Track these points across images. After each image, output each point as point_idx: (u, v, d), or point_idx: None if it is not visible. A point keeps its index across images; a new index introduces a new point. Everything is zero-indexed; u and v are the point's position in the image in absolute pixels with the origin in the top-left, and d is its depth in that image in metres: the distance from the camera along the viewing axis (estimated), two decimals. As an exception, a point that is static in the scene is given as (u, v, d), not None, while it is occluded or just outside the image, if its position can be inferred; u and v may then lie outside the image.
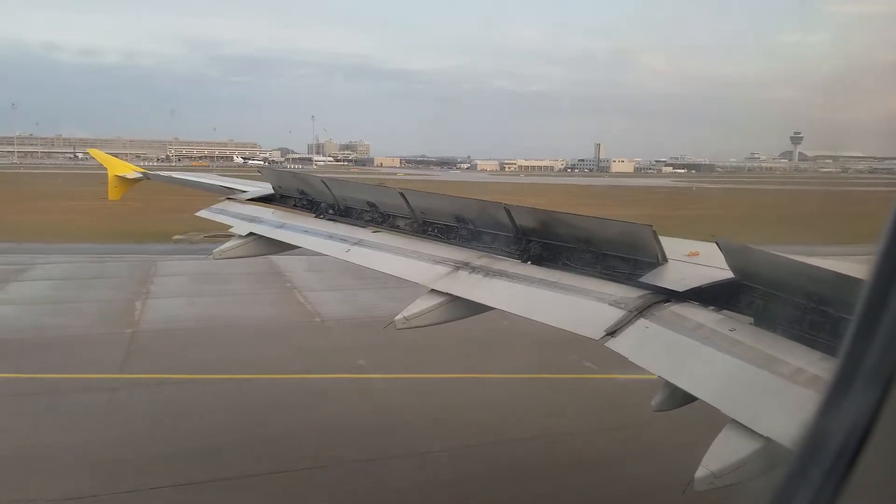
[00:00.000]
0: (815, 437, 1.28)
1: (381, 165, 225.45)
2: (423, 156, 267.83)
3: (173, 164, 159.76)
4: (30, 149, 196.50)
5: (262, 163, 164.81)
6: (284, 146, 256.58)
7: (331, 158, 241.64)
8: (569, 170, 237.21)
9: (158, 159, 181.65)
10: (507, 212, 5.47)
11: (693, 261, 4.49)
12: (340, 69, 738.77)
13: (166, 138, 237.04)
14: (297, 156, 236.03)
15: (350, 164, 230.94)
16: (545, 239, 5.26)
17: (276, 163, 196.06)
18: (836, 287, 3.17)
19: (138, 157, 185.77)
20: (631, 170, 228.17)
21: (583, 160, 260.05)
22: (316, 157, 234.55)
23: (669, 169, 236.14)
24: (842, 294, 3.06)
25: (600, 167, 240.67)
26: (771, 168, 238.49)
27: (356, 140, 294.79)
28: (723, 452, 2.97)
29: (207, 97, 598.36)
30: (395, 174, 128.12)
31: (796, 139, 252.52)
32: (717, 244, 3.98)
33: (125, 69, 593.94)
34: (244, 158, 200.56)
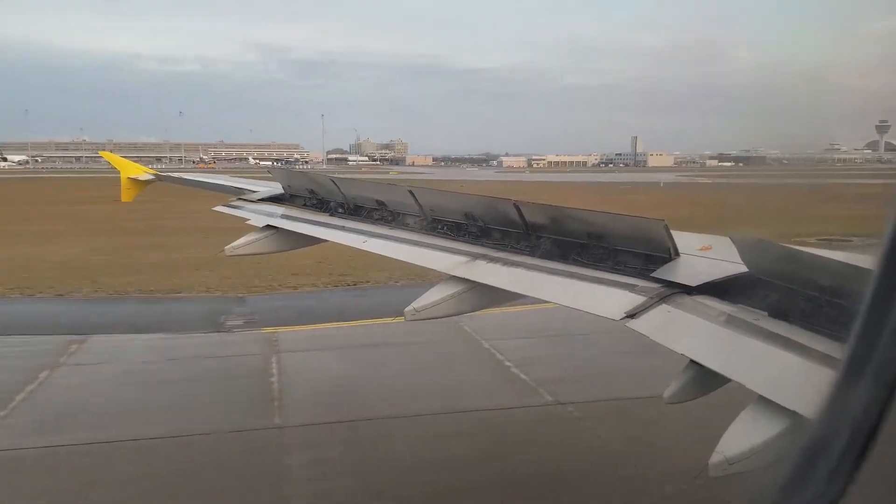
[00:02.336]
0: (821, 433, 1.27)
1: (413, 164, 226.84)
2: (486, 153, 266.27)
3: (181, 165, 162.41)
4: (78, 153, 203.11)
5: (270, 163, 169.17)
6: (335, 146, 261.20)
7: (366, 158, 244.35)
8: (602, 165, 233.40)
9: (193, 162, 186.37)
10: (517, 208, 5.43)
11: (706, 255, 4.44)
12: (407, 69, 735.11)
13: (212, 141, 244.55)
14: (334, 156, 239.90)
15: (386, 163, 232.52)
16: (556, 235, 5.21)
17: (299, 163, 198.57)
18: (853, 280, 3.03)
19: (180, 160, 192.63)
20: (670, 163, 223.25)
21: (619, 154, 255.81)
22: (351, 158, 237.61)
23: (715, 162, 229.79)
24: (858, 287, 2.91)
25: (637, 161, 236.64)
26: (845, 160, 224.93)
27: (395, 139, 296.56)
28: (739, 437, 2.97)
29: (276, 101, 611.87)
30: (388, 172, 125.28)
31: (882, 128, 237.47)
32: (731, 238, 3.95)
33: (201, 76, 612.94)
34: (255, 159, 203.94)
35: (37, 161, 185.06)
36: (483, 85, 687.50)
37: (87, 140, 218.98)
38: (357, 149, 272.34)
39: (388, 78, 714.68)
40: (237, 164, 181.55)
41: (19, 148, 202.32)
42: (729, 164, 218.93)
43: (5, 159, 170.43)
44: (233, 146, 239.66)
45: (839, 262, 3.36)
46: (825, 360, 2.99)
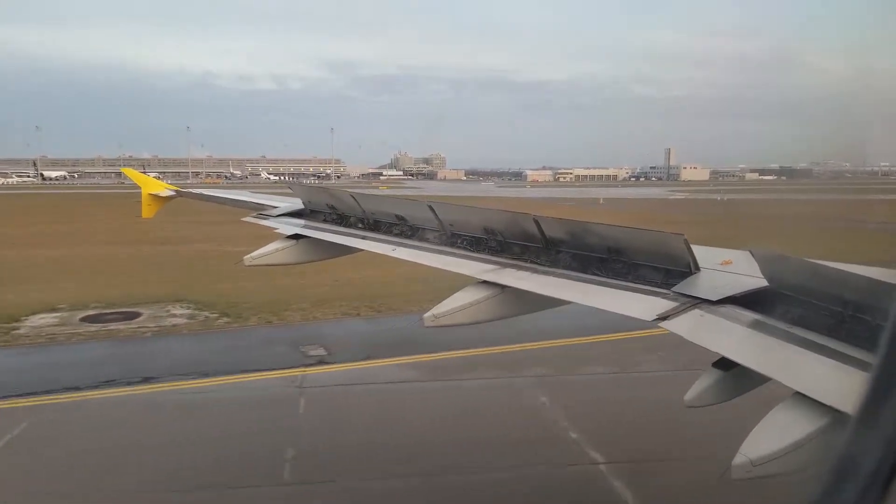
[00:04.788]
0: (848, 454, 1.24)
1: (445, 178, 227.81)
2: (550, 167, 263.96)
3: (202, 180, 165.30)
4: (114, 169, 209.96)
5: (276, 178, 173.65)
6: (382, 161, 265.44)
7: (400, 173, 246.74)
8: (633, 178, 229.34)
9: (225, 176, 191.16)
10: (537, 223, 5.42)
11: (726, 269, 4.40)
12: (473, 83, 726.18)
13: (254, 156, 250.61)
14: (371, 171, 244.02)
15: (422, 177, 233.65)
16: (575, 249, 5.19)
17: (329, 177, 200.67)
18: (876, 295, 3.08)
19: (218, 174, 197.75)
20: (705, 177, 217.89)
21: (654, 167, 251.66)
22: (386, 172, 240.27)
23: (755, 176, 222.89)
24: (882, 302, 2.97)
25: (670, 175, 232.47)
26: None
27: (433, 154, 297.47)
28: (764, 440, 2.92)
29: (341, 116, 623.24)
30: (377, 187, 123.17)
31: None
32: (751, 252, 3.92)
33: (277, 94, 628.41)
34: (268, 174, 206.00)
35: (73, 177, 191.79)
36: (546, 97, 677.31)
37: (132, 156, 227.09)
38: (396, 163, 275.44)
39: (451, 93, 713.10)
40: (255, 180, 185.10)
41: (71, 164, 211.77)
42: (770, 177, 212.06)
43: (42, 175, 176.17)
44: (273, 161, 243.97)
45: (861, 276, 3.32)
46: (860, 364, 2.96)
